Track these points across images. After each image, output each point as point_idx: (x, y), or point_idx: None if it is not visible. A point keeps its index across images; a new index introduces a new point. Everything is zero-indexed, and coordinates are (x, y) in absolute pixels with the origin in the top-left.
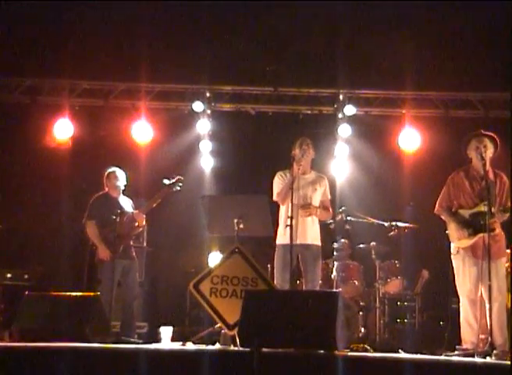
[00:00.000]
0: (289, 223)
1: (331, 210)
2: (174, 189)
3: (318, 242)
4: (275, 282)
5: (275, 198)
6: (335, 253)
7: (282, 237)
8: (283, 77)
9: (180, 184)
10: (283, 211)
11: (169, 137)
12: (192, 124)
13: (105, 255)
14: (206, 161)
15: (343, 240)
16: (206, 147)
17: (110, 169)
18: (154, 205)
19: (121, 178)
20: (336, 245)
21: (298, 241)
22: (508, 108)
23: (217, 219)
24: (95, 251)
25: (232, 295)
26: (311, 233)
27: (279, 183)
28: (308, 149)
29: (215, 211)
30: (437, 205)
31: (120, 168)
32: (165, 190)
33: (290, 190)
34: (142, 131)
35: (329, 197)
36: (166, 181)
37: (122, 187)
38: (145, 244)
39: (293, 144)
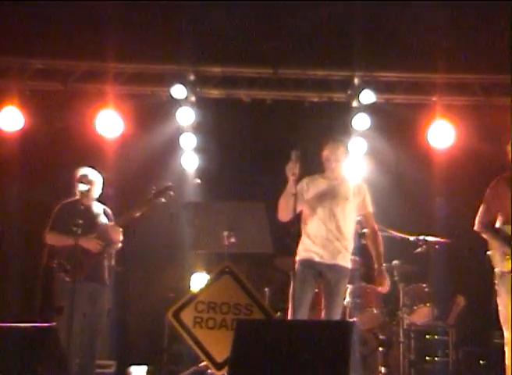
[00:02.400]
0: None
1: (376, 227)
2: (160, 200)
3: (347, 264)
4: (290, 309)
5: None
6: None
7: (306, 251)
8: (285, 56)
9: (171, 193)
10: (311, 219)
11: (143, 130)
12: (171, 114)
13: (93, 244)
14: (189, 159)
15: (357, 257)
16: (189, 142)
17: (82, 172)
18: (134, 218)
19: (95, 182)
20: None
21: (319, 259)
22: None
23: (203, 231)
24: (53, 270)
25: (221, 326)
26: (340, 252)
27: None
28: (338, 162)
29: (201, 221)
30: (476, 221)
31: (95, 169)
32: (149, 201)
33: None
34: (109, 123)
35: (371, 209)
36: (153, 189)
37: (97, 194)
38: (113, 262)
39: (322, 148)
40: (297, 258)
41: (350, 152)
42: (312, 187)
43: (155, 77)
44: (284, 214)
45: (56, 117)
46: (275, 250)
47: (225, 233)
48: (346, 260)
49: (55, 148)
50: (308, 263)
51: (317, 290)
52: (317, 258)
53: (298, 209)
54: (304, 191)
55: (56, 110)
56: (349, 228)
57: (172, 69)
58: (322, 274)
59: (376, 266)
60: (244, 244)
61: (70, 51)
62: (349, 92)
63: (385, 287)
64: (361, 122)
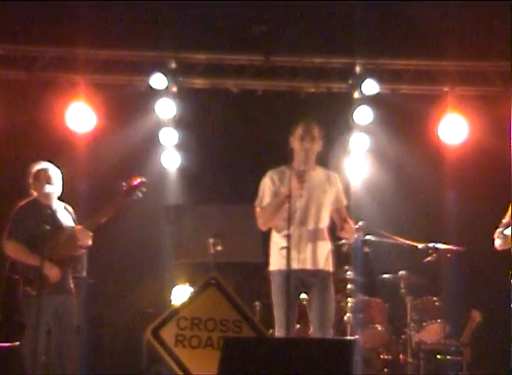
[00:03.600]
0: (285, 243)
1: (351, 223)
2: (133, 196)
3: (329, 267)
4: (276, 325)
5: (258, 213)
6: (349, 286)
7: (279, 260)
8: (278, 42)
9: (143, 189)
10: (284, 221)
11: (118, 125)
12: (150, 106)
13: (55, 273)
14: (170, 157)
15: (360, 267)
16: (170, 138)
17: (39, 166)
18: (105, 219)
19: (55, 178)
20: (350, 275)
21: (299, 265)
22: None
23: (185, 238)
24: (15, 282)
25: (206, 345)
26: (319, 255)
27: (267, 190)
28: (314, 141)
29: (183, 227)
30: (499, 230)
31: (53, 164)
32: (121, 198)
33: (282, 205)
34: (80, 116)
35: (345, 202)
36: (124, 185)
37: (58, 192)
38: (84, 273)
39: (291, 132)
40: (271, 268)
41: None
42: (282, 182)
43: (132, 65)
44: (266, 223)
45: (20, 109)
46: (267, 259)
47: (211, 241)
48: (330, 263)
49: (18, 144)
50: (286, 273)
51: (305, 302)
52: (295, 265)
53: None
54: (271, 187)
55: (20, 101)
56: (326, 226)
57: (150, 56)
58: (305, 283)
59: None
60: (232, 252)
61: (35, 34)
62: (350, 82)
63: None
64: (363, 115)
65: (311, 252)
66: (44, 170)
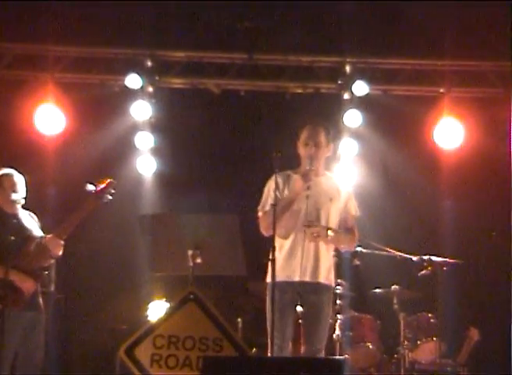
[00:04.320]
0: (284, 254)
1: (357, 233)
2: (104, 199)
3: (331, 282)
4: (269, 344)
5: (260, 218)
6: (338, 301)
7: (281, 270)
8: (262, 39)
9: (112, 191)
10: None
11: (90, 127)
12: (124, 108)
13: (30, 286)
14: (145, 162)
15: (350, 281)
16: (145, 141)
17: (1, 172)
18: (75, 226)
19: (19, 185)
20: (339, 290)
21: (298, 278)
22: None
23: (162, 250)
24: None
25: (184, 365)
26: (322, 266)
27: (271, 194)
28: (319, 147)
29: (160, 238)
30: None
31: (16, 170)
32: (91, 201)
33: (286, 208)
34: (49, 117)
35: (355, 213)
36: (91, 187)
37: (22, 199)
38: (52, 287)
39: (298, 135)
40: (269, 280)
41: (332, 144)
42: (287, 186)
43: (105, 63)
44: (269, 228)
45: None
46: (250, 273)
47: (190, 252)
48: (331, 277)
49: None
50: (285, 285)
51: (300, 321)
52: (296, 278)
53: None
54: (276, 191)
55: None
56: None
57: (125, 53)
58: (303, 297)
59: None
60: (213, 265)
61: (0, 30)
62: (339, 82)
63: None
64: (354, 118)
65: (312, 262)
66: (8, 176)
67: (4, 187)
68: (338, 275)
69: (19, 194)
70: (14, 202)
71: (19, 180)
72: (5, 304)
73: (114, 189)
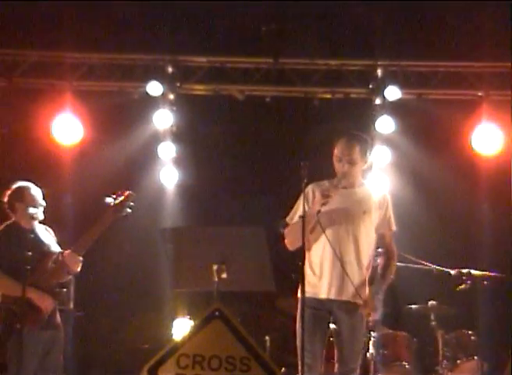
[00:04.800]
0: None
1: (395, 251)
2: (123, 212)
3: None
4: (299, 364)
5: (286, 231)
6: (371, 318)
7: (310, 287)
8: (288, 42)
9: (132, 204)
10: (317, 242)
11: (108, 136)
12: (145, 116)
13: (49, 304)
14: (167, 173)
15: (382, 297)
16: (168, 151)
17: (18, 185)
18: (93, 241)
19: (37, 198)
20: None
21: (325, 295)
22: None
23: (185, 264)
24: None
25: None
26: (349, 285)
27: (301, 205)
28: (353, 165)
29: (183, 252)
30: None
31: (33, 183)
32: (110, 215)
33: (308, 224)
34: (66, 126)
35: (394, 228)
36: (110, 201)
37: (40, 214)
38: (71, 305)
39: (332, 145)
40: (300, 296)
41: (370, 155)
42: (331, 200)
43: (123, 70)
44: (294, 240)
45: None
46: (278, 288)
47: (215, 267)
48: (363, 296)
49: None
50: (314, 303)
51: (332, 338)
52: (323, 295)
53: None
54: (310, 202)
55: None
56: (366, 252)
57: (144, 59)
58: (333, 315)
59: (372, 289)
60: (239, 280)
61: (16, 36)
62: (370, 86)
63: (367, 312)
64: (386, 124)
65: (340, 280)
66: (25, 190)
67: (21, 201)
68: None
69: (37, 209)
70: (31, 217)
71: (37, 193)
72: (23, 323)
73: (133, 202)
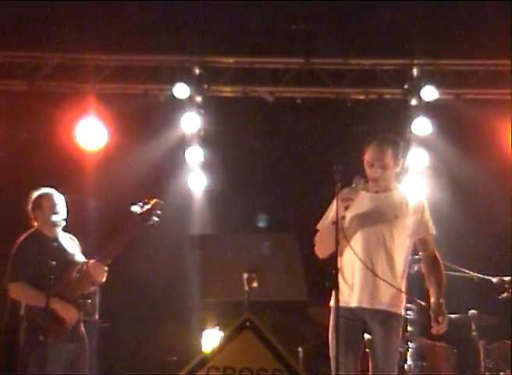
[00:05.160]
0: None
1: (439, 256)
2: (150, 221)
3: (399, 309)
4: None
5: (316, 237)
6: (408, 328)
7: (341, 295)
8: (319, 41)
9: (159, 212)
10: (348, 249)
11: (134, 141)
12: (171, 119)
13: (73, 315)
14: (195, 179)
15: (422, 306)
16: (195, 156)
17: (40, 192)
18: (119, 251)
19: (59, 205)
20: (410, 315)
21: (356, 304)
22: None
23: (215, 273)
24: (19, 329)
25: None
26: (382, 293)
27: (333, 211)
28: (385, 169)
29: (212, 260)
30: None
31: (56, 189)
32: (136, 223)
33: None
34: (90, 131)
35: (433, 232)
36: (136, 209)
37: (63, 221)
38: (96, 316)
39: (363, 150)
40: (331, 303)
41: (403, 159)
42: (352, 203)
43: (149, 72)
44: (323, 247)
45: (20, 126)
46: (311, 297)
47: (245, 276)
48: (397, 304)
49: (18, 166)
50: (347, 312)
51: (368, 349)
52: (354, 304)
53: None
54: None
55: (20, 116)
56: (399, 258)
57: (170, 60)
58: (367, 325)
59: (433, 299)
60: (270, 289)
61: (37, 39)
62: (405, 87)
63: (442, 326)
64: (422, 125)
65: (372, 288)
66: (47, 196)
67: (43, 208)
68: (408, 299)
69: (60, 216)
70: (54, 225)
71: (60, 200)
72: (46, 335)
73: (160, 210)
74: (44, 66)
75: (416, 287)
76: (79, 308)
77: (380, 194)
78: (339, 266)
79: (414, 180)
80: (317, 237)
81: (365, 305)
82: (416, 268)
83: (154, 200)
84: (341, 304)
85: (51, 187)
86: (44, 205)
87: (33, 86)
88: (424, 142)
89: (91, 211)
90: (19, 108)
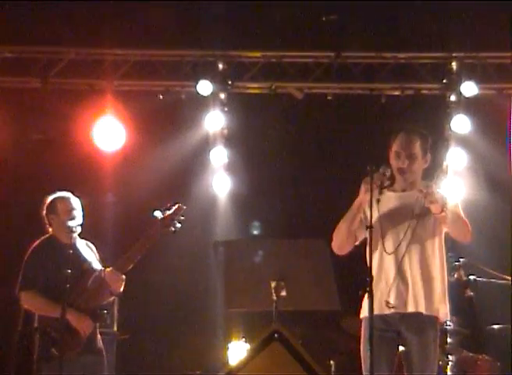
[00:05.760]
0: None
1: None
2: (172, 227)
3: (437, 313)
4: None
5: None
6: (449, 339)
7: (376, 302)
8: (352, 34)
9: (182, 218)
10: (376, 252)
11: (154, 141)
12: (193, 118)
13: (87, 326)
14: (220, 181)
15: (462, 316)
16: (219, 157)
17: (55, 196)
18: (138, 259)
19: (76, 210)
20: (450, 326)
21: (392, 309)
22: None
23: (241, 282)
24: (32, 341)
25: None
26: (421, 293)
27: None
28: (413, 160)
29: (238, 268)
30: None
31: (72, 193)
32: (157, 229)
33: (354, 218)
34: (108, 131)
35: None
36: (157, 214)
37: (78, 227)
38: (115, 328)
39: (389, 144)
40: (362, 315)
41: (430, 156)
42: (379, 204)
43: (169, 68)
44: (341, 243)
45: (32, 126)
46: (343, 307)
47: (273, 284)
48: (436, 307)
49: (30, 169)
50: (380, 322)
51: (403, 362)
52: (386, 310)
53: (361, 237)
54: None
55: (32, 116)
56: (435, 259)
57: (192, 55)
58: (401, 336)
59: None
60: (300, 298)
61: (51, 33)
62: (444, 82)
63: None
64: (462, 123)
65: (410, 290)
66: (63, 201)
67: (58, 213)
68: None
69: (76, 221)
70: (70, 230)
71: (76, 204)
72: (60, 347)
73: (184, 215)
74: (57, 62)
75: (456, 297)
76: (94, 318)
77: (407, 193)
78: (372, 267)
79: (455, 181)
80: (335, 232)
81: (400, 309)
82: (456, 275)
83: (177, 205)
84: (375, 312)
85: (66, 190)
86: (60, 210)
87: (47, 83)
88: (463, 141)
89: (109, 216)
90: (32, 107)
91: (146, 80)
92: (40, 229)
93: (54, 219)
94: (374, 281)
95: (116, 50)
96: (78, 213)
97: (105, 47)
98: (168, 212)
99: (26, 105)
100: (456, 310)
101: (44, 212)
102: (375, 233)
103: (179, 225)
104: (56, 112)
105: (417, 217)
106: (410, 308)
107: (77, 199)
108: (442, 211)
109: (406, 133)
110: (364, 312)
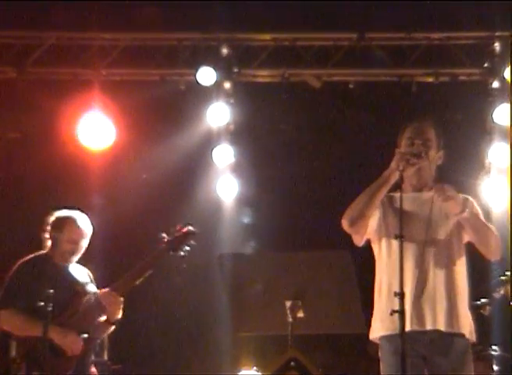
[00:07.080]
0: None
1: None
2: (178, 252)
3: (466, 331)
4: None
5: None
6: (495, 367)
7: (387, 323)
8: (377, 12)
9: (192, 242)
10: (389, 262)
11: (149, 140)
12: (195, 112)
13: (72, 341)
14: (225, 184)
15: (509, 340)
16: (224, 156)
17: (65, 214)
18: (140, 281)
19: (83, 233)
20: (495, 351)
21: (412, 326)
22: None
23: (251, 301)
24: (18, 368)
25: None
26: (447, 311)
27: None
28: (431, 147)
29: (247, 285)
30: None
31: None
32: (163, 252)
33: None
34: (95, 127)
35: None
36: (163, 235)
37: (79, 253)
38: (105, 356)
39: (398, 137)
40: (374, 335)
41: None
42: (390, 208)
43: (165, 53)
44: (359, 213)
45: (7, 122)
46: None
47: (288, 304)
48: (465, 325)
49: (6, 172)
50: (397, 341)
51: None
52: (407, 327)
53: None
54: (377, 214)
55: (7, 111)
56: (457, 267)
57: (192, 38)
58: (428, 362)
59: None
60: (319, 320)
61: (28, 14)
62: (485, 66)
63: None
64: (506, 113)
65: (425, 308)
66: (68, 221)
67: (63, 233)
68: (492, 331)
69: (78, 246)
70: (69, 252)
71: (85, 226)
72: (45, 371)
73: (195, 240)
74: (35, 48)
75: (503, 316)
76: (86, 342)
77: (421, 194)
78: (384, 279)
79: (499, 180)
80: (351, 206)
81: (421, 327)
82: (502, 292)
83: (187, 228)
84: (389, 332)
85: (50, 197)
86: (66, 229)
87: (23, 73)
88: (507, 134)
89: (96, 226)
90: (6, 100)
91: (138, 69)
92: (18, 235)
93: (56, 238)
94: (390, 295)
95: (104, 34)
96: (85, 236)
97: (91, 30)
98: (176, 234)
99: (1, 98)
100: (501, 332)
101: (48, 227)
102: (390, 238)
103: (188, 248)
104: (35, 106)
105: (439, 219)
106: (434, 326)
107: (85, 219)
108: (463, 211)
109: (419, 121)
110: (378, 332)
